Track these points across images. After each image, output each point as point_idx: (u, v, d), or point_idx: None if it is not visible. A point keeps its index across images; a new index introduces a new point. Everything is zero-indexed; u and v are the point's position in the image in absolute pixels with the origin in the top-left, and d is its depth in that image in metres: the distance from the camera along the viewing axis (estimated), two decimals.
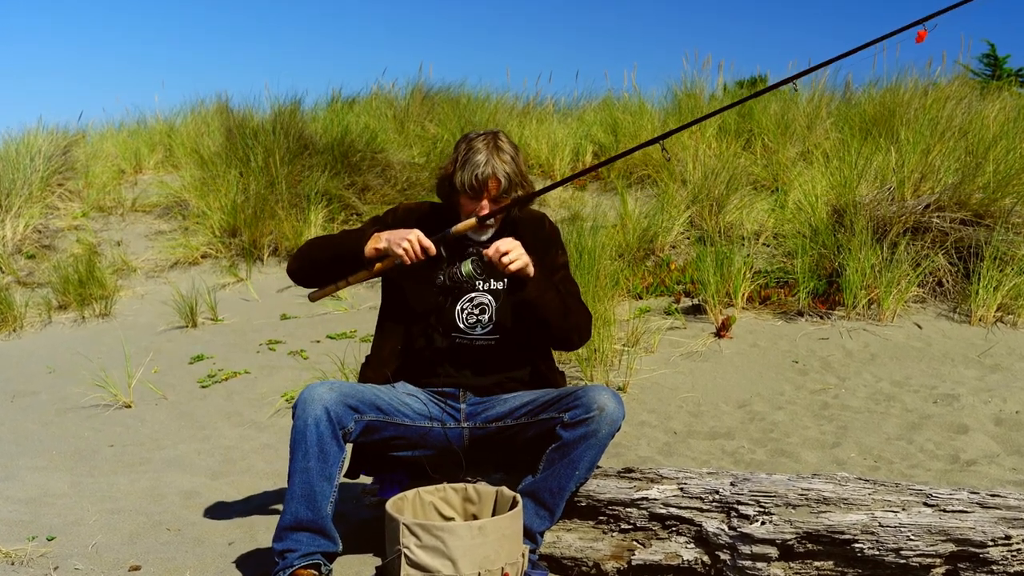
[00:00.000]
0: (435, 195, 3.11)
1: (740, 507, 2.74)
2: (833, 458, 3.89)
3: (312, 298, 3.07)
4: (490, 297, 2.98)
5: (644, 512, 2.84)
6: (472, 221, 2.86)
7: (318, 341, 5.99)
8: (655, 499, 2.83)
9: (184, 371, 5.66)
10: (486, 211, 2.87)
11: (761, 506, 2.72)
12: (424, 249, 2.82)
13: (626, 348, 5.07)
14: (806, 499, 2.71)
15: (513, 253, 2.75)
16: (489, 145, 2.87)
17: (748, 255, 6.02)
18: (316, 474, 2.72)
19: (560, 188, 7.89)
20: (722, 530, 2.74)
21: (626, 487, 2.88)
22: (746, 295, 5.78)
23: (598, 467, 2.95)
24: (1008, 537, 2.56)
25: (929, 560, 2.59)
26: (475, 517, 2.83)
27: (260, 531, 3.32)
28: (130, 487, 3.88)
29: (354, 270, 2.93)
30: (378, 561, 2.99)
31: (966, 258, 5.64)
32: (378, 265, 2.90)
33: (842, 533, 2.63)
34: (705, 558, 2.77)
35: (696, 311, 5.76)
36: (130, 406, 5.06)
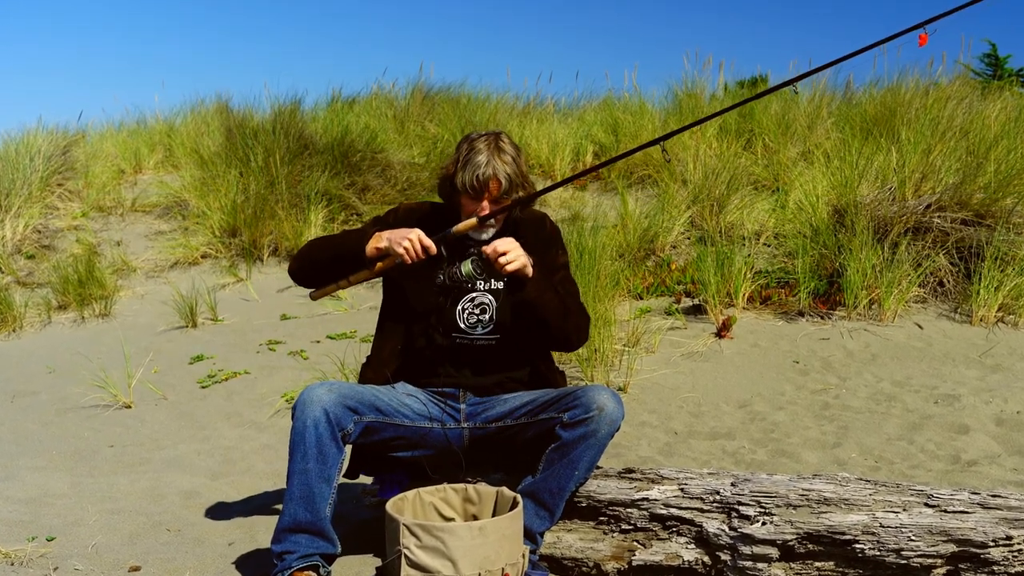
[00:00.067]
0: (436, 195, 3.10)
1: (741, 507, 2.73)
2: (834, 458, 3.89)
3: (313, 297, 3.07)
4: (491, 297, 2.97)
5: (645, 512, 2.84)
6: (473, 221, 2.86)
7: (318, 341, 5.98)
8: (656, 499, 2.83)
9: (184, 371, 5.65)
10: (487, 211, 2.87)
11: (762, 506, 2.72)
12: (425, 248, 2.82)
13: (627, 348, 5.07)
14: (807, 499, 2.71)
15: (511, 253, 2.75)
16: (490, 146, 2.87)
17: (749, 255, 6.02)
18: (315, 476, 2.71)
19: (560, 188, 7.88)
20: (723, 531, 2.74)
21: (627, 487, 2.88)
22: (747, 295, 5.78)
23: (598, 467, 2.94)
24: (1009, 538, 2.56)
25: (930, 561, 2.59)
26: (475, 518, 2.83)
27: (260, 532, 3.31)
28: (130, 487, 3.87)
29: (355, 270, 2.93)
30: (378, 562, 2.99)
31: (967, 258, 5.64)
32: (379, 265, 2.90)
33: (843, 534, 2.63)
34: (706, 559, 2.77)
35: (697, 311, 5.76)
36: (130, 406, 5.06)
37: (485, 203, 2.87)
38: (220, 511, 3.59)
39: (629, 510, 2.85)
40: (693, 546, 2.79)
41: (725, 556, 2.73)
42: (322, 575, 2.74)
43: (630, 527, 2.85)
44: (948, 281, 5.68)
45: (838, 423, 4.25)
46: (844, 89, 9.66)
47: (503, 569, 2.59)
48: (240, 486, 3.87)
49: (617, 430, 2.80)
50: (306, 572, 2.71)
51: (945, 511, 2.62)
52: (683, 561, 2.78)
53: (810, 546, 2.67)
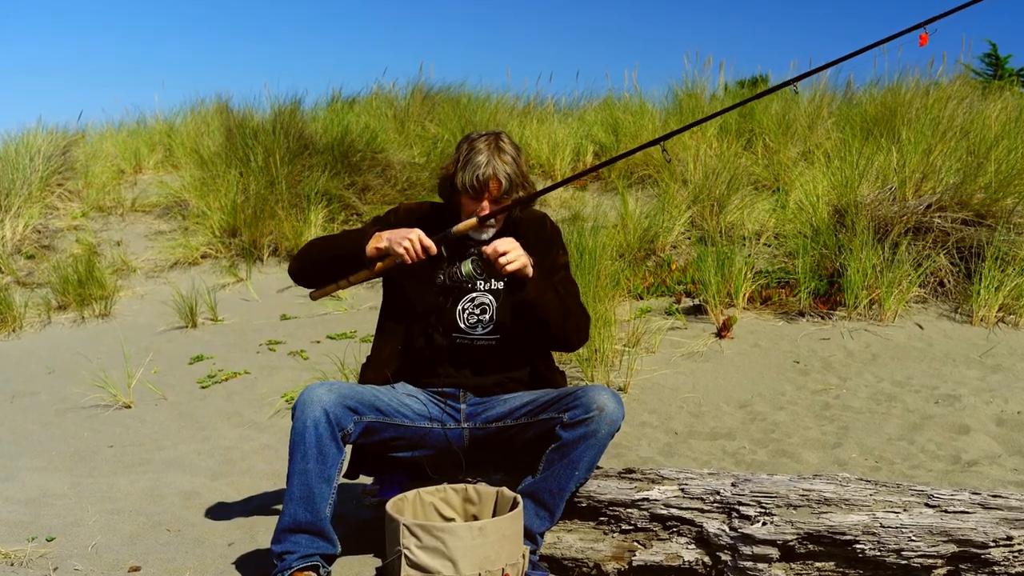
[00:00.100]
0: (436, 195, 3.10)
1: (741, 508, 2.73)
2: (834, 459, 3.88)
3: (313, 297, 3.07)
4: (491, 297, 2.97)
5: (645, 513, 2.83)
6: (473, 221, 2.86)
7: (318, 341, 5.98)
8: (656, 500, 2.83)
9: (184, 371, 5.65)
10: (487, 211, 2.86)
11: (762, 507, 2.72)
12: (425, 249, 2.82)
13: (627, 348, 5.07)
14: (807, 500, 2.70)
15: (511, 253, 2.74)
16: (491, 146, 2.87)
17: (749, 255, 6.01)
18: (315, 476, 2.71)
19: (561, 188, 7.88)
20: (723, 531, 2.73)
21: (627, 488, 2.87)
22: (747, 295, 5.77)
23: (598, 467, 2.94)
24: (1010, 538, 2.55)
25: (930, 561, 2.59)
26: (475, 518, 2.83)
27: (260, 532, 3.31)
28: (130, 488, 3.87)
29: (355, 270, 2.93)
30: (378, 562, 2.99)
31: (967, 258, 5.64)
32: (379, 265, 2.90)
33: (843, 534, 2.63)
34: (706, 559, 2.77)
35: (697, 311, 5.75)
36: (130, 406, 5.05)
37: (485, 203, 2.87)
38: (220, 511, 3.59)
39: (629, 510, 2.85)
40: (693, 546, 2.79)
41: (725, 556, 2.73)
42: (322, 575, 2.74)
43: (630, 527, 2.85)
44: (949, 281, 5.67)
45: (838, 423, 4.25)
46: (844, 89, 9.67)
47: (503, 569, 2.59)
48: (240, 486, 3.87)
49: (617, 430, 2.80)
50: (306, 572, 2.70)
51: (946, 511, 2.62)
52: (683, 561, 2.78)
53: (810, 546, 2.67)
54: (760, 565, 2.68)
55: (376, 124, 9.73)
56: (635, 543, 2.84)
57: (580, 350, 4.70)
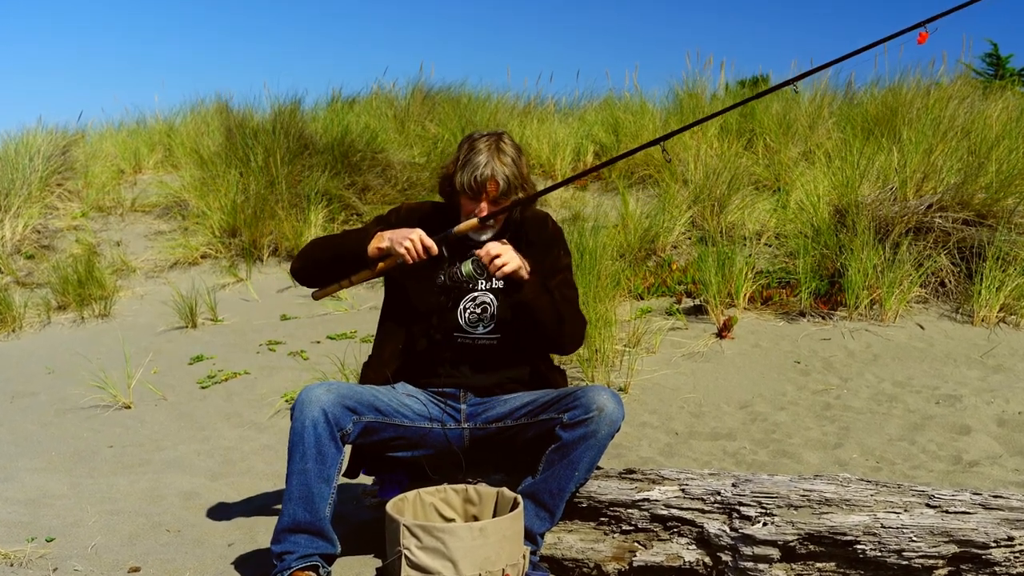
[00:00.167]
0: (436, 195, 3.10)
1: (742, 508, 2.73)
2: (835, 459, 3.88)
3: (315, 297, 3.08)
4: (491, 296, 2.97)
5: (645, 513, 2.83)
6: (474, 221, 2.86)
7: (318, 342, 5.98)
8: (656, 500, 2.82)
9: (184, 372, 5.65)
10: (485, 212, 2.86)
11: (763, 507, 2.71)
12: (426, 249, 2.82)
13: (627, 349, 5.06)
14: (808, 500, 2.70)
15: (504, 256, 2.75)
16: (491, 147, 2.87)
17: (750, 255, 6.01)
18: (314, 476, 2.71)
19: (561, 188, 7.88)
20: (724, 531, 2.73)
21: (627, 488, 2.87)
22: (748, 295, 5.77)
23: (599, 468, 2.94)
24: (1011, 538, 2.55)
25: (931, 562, 2.58)
26: (476, 518, 2.82)
27: (260, 532, 3.31)
28: (130, 488, 3.86)
29: (357, 270, 2.93)
30: (378, 562, 2.98)
31: (968, 258, 5.63)
32: (380, 264, 2.90)
33: (844, 534, 2.62)
34: (707, 559, 2.76)
35: (698, 311, 5.75)
36: (129, 407, 5.05)
37: (483, 204, 2.87)
38: (220, 512, 3.58)
39: (630, 511, 2.84)
40: (694, 547, 2.78)
41: (726, 557, 2.72)
42: (322, 575, 2.73)
43: (631, 528, 2.85)
44: (949, 281, 5.67)
45: (839, 424, 4.24)
46: (845, 89, 9.65)
47: (503, 570, 2.58)
48: (240, 487, 3.87)
49: (617, 431, 2.79)
50: (306, 572, 2.70)
51: (946, 512, 2.62)
52: (684, 562, 2.77)
53: (811, 547, 2.66)
54: (761, 566, 2.68)
55: (376, 124, 9.73)
56: (636, 544, 2.83)
57: (581, 350, 4.71)
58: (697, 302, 5.85)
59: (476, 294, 2.97)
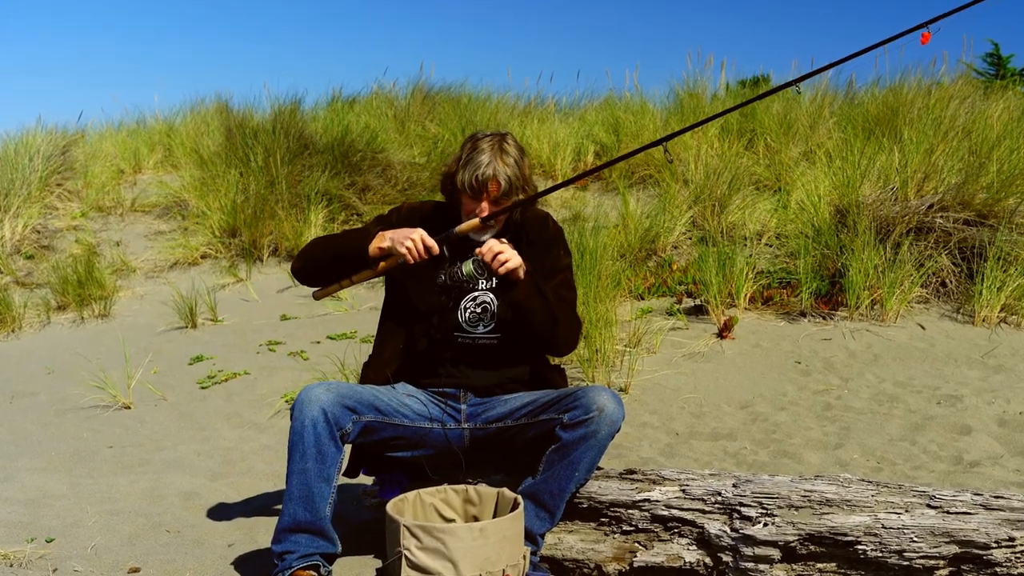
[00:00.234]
0: (436, 195, 3.10)
1: (742, 509, 2.72)
2: (836, 459, 3.87)
3: (316, 296, 3.08)
4: (492, 296, 2.97)
5: (646, 514, 2.82)
6: (475, 221, 2.85)
7: (318, 342, 5.97)
8: (657, 501, 2.82)
9: (184, 372, 5.64)
10: (486, 212, 2.86)
11: (763, 508, 2.71)
12: (427, 248, 2.81)
13: (628, 349, 5.06)
14: (809, 501, 2.69)
15: (506, 253, 2.75)
16: (494, 147, 2.86)
17: (750, 255, 6.00)
18: (314, 475, 2.71)
19: (562, 188, 7.89)
20: (724, 532, 2.72)
21: (628, 488, 2.86)
22: (748, 295, 5.76)
23: (599, 468, 2.93)
24: (1012, 539, 2.54)
25: (932, 562, 2.58)
26: (476, 519, 2.82)
27: (260, 533, 3.30)
28: (129, 488, 3.86)
29: (358, 269, 2.93)
30: (378, 563, 2.98)
31: (969, 258, 5.62)
32: (382, 264, 2.89)
33: (845, 535, 2.62)
34: (707, 560, 2.76)
35: (698, 312, 5.74)
36: (129, 407, 5.05)
37: (484, 203, 2.86)
38: (220, 512, 3.58)
39: (630, 511, 2.84)
40: (695, 547, 2.78)
41: (727, 557, 2.72)
42: (322, 574, 2.73)
43: (631, 528, 2.84)
44: (950, 281, 5.66)
45: (840, 424, 4.24)
46: (846, 89, 9.65)
47: (504, 570, 2.58)
48: (240, 487, 3.86)
49: (617, 431, 2.79)
50: (307, 572, 2.70)
51: (947, 512, 2.61)
52: (685, 562, 2.77)
53: (812, 547, 2.66)
54: (761, 566, 2.67)
55: (376, 124, 9.73)
56: (636, 544, 2.83)
57: (582, 351, 4.71)
58: (698, 302, 5.84)
59: (476, 294, 2.97)
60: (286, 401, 4.88)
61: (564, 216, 7.66)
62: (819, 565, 2.67)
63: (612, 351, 4.92)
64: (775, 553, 2.66)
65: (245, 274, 7.67)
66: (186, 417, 4.86)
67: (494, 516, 2.77)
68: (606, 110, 9.94)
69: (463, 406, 2.97)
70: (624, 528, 2.85)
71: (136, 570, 3.02)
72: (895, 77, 8.98)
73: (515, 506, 2.69)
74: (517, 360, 3.02)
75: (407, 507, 2.78)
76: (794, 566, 2.68)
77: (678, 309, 5.75)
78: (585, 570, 2.86)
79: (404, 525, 2.55)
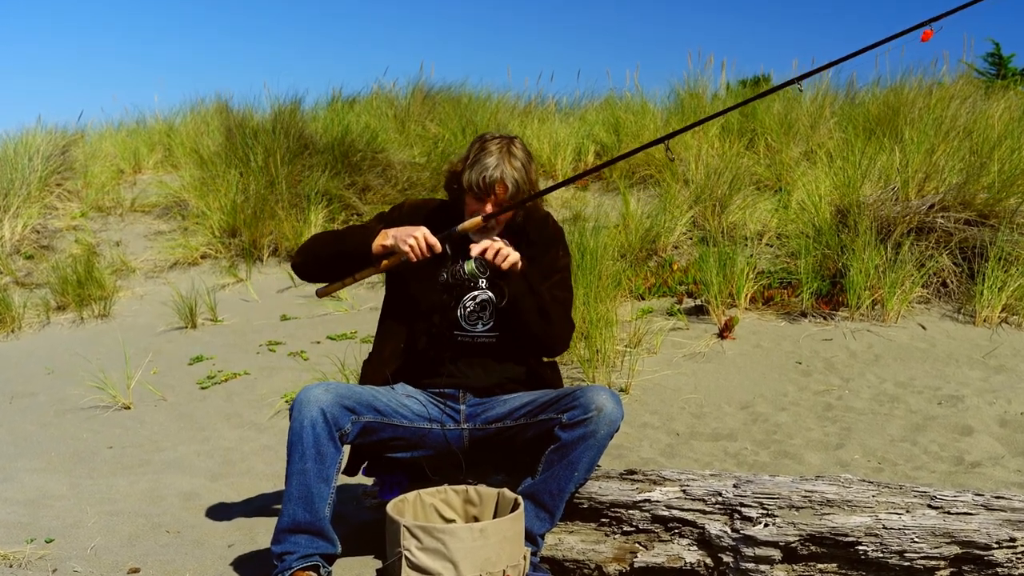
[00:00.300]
0: (436, 195, 3.09)
1: (743, 509, 2.72)
2: (837, 460, 3.87)
3: (319, 294, 3.08)
4: (491, 294, 2.96)
5: (647, 514, 2.82)
6: (478, 220, 2.85)
7: (318, 342, 5.97)
8: (658, 501, 2.81)
9: (183, 372, 5.64)
10: (489, 210, 2.86)
11: (764, 508, 2.70)
12: (430, 247, 2.81)
13: (628, 349, 5.05)
14: (809, 501, 2.69)
15: (505, 249, 2.77)
16: (502, 149, 2.86)
17: (751, 255, 6.00)
18: (313, 476, 2.70)
19: (562, 188, 7.88)
20: (725, 532, 2.72)
21: (628, 489, 2.86)
22: (749, 296, 5.75)
23: (600, 469, 2.93)
24: (1013, 539, 2.54)
25: (933, 563, 2.57)
26: (476, 519, 2.81)
27: (260, 533, 3.30)
28: (129, 489, 3.86)
29: (360, 266, 2.92)
30: (379, 563, 2.97)
31: (971, 258, 5.62)
32: (385, 262, 2.89)
33: (846, 535, 2.61)
34: (708, 560, 2.75)
35: (699, 312, 5.74)
36: (129, 407, 5.04)
37: (488, 206, 2.86)
38: (220, 512, 3.57)
39: (631, 512, 2.84)
40: (695, 548, 2.77)
41: (727, 558, 2.71)
42: (322, 575, 2.72)
43: (632, 529, 2.84)
44: (951, 282, 5.66)
45: (841, 424, 4.23)
46: (847, 88, 9.64)
47: (504, 571, 2.57)
48: (240, 487, 3.86)
49: (616, 431, 2.79)
50: (307, 572, 2.70)
51: (948, 513, 2.61)
52: (685, 563, 2.76)
53: (813, 548, 2.65)
54: (762, 567, 2.67)
55: (376, 124, 9.73)
56: (637, 544, 2.82)
57: (582, 351, 4.71)
58: (698, 302, 5.83)
59: (476, 292, 2.97)
60: (286, 401, 4.88)
61: (564, 216, 7.65)
62: (820, 566, 2.66)
63: (613, 351, 4.92)
64: (776, 554, 2.66)
65: (245, 274, 7.67)
66: (186, 417, 4.86)
67: (494, 517, 2.77)
68: (607, 110, 9.93)
69: (462, 406, 2.96)
70: (625, 528, 2.84)
71: (136, 570, 3.02)
72: (896, 77, 8.98)
73: (515, 506, 2.69)
74: (516, 360, 3.01)
75: (407, 508, 2.78)
76: (795, 566, 2.67)
77: (679, 309, 5.74)
78: (585, 570, 2.85)
79: (404, 526, 2.55)
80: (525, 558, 2.67)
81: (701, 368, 5.00)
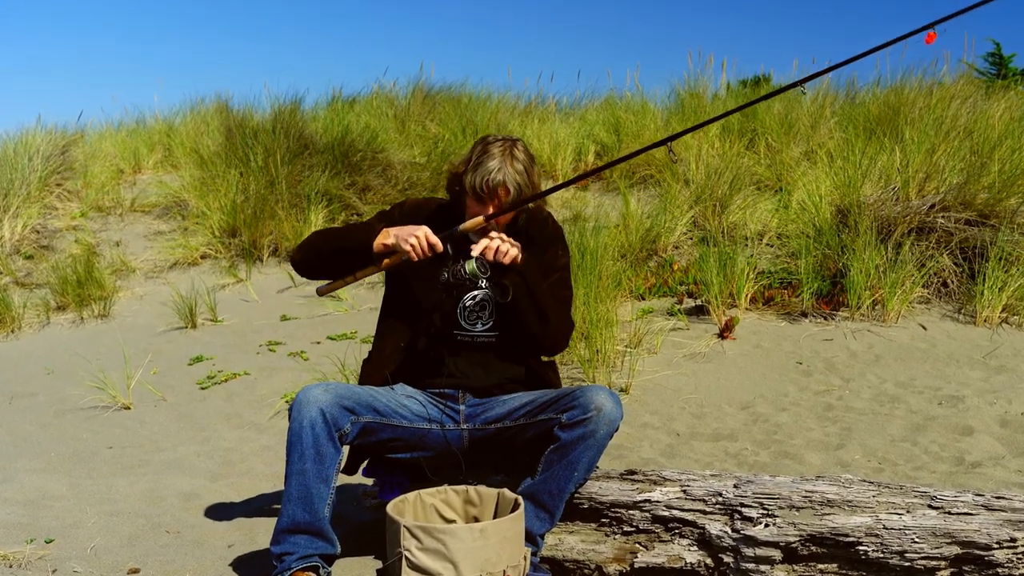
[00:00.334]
0: (436, 195, 3.09)
1: (743, 509, 2.71)
2: (837, 460, 3.86)
3: (320, 292, 3.08)
4: (491, 292, 2.96)
5: (647, 514, 2.82)
6: (479, 220, 2.84)
7: (318, 342, 5.96)
8: (658, 501, 2.81)
9: (183, 372, 5.63)
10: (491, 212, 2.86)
11: (764, 508, 2.70)
12: (431, 246, 2.80)
13: (628, 349, 5.05)
14: (810, 501, 2.69)
15: (505, 244, 2.77)
16: (505, 152, 2.86)
17: (751, 256, 6.00)
18: (312, 476, 2.70)
19: (562, 188, 7.87)
20: (725, 532, 2.71)
21: (629, 489, 2.86)
22: (749, 296, 5.75)
23: (600, 469, 2.92)
24: (1013, 540, 2.53)
25: (934, 563, 2.57)
26: (476, 519, 2.81)
27: (260, 533, 3.30)
28: (129, 489, 3.85)
29: (361, 264, 2.91)
30: (379, 564, 2.97)
31: (971, 258, 5.61)
32: (386, 261, 2.88)
33: (846, 535, 2.61)
34: (708, 560, 2.75)
35: (699, 312, 5.73)
36: (129, 408, 5.04)
37: (490, 209, 2.86)
38: (220, 513, 3.57)
39: (631, 512, 2.83)
40: (696, 548, 2.77)
41: (728, 558, 2.71)
42: (322, 575, 2.72)
43: (632, 529, 2.83)
44: (952, 282, 5.65)
45: (841, 424, 4.23)
46: (847, 88, 9.65)
47: (504, 571, 2.57)
48: (240, 488, 3.86)
49: (616, 430, 2.78)
50: (306, 573, 2.69)
51: (949, 513, 2.60)
52: (685, 563, 2.76)
53: (813, 548, 2.65)
54: (762, 567, 2.66)
55: (376, 124, 9.73)
56: (637, 545, 2.82)
57: (582, 351, 4.70)
58: (698, 302, 5.83)
59: (477, 292, 2.97)
60: (286, 402, 4.87)
61: (565, 216, 7.65)
62: (820, 566, 2.66)
63: (613, 351, 4.91)
64: (776, 554, 2.65)
65: (245, 274, 7.66)
66: (186, 418, 4.86)
67: (494, 517, 2.77)
68: (607, 110, 9.93)
69: (462, 407, 2.96)
70: (625, 529, 2.84)
71: (136, 571, 3.02)
72: (896, 77, 8.99)
73: (515, 507, 2.69)
74: (515, 360, 3.01)
75: (407, 508, 2.77)
76: (795, 567, 2.67)
77: (679, 309, 5.74)
78: (586, 571, 2.85)
79: (404, 526, 2.54)
80: (525, 558, 2.67)
81: (701, 368, 4.99)
